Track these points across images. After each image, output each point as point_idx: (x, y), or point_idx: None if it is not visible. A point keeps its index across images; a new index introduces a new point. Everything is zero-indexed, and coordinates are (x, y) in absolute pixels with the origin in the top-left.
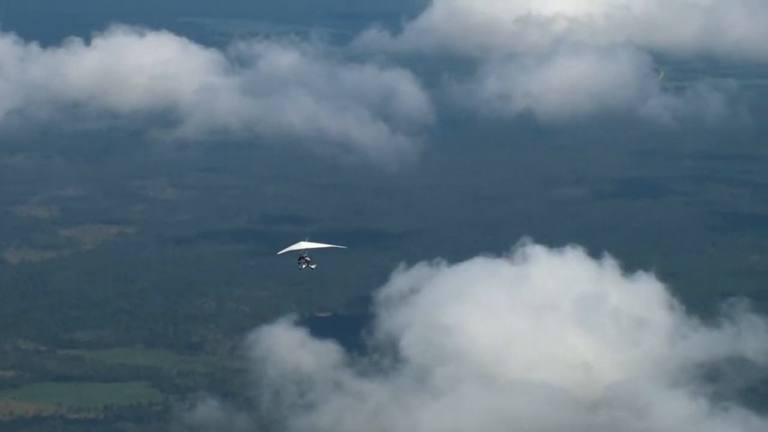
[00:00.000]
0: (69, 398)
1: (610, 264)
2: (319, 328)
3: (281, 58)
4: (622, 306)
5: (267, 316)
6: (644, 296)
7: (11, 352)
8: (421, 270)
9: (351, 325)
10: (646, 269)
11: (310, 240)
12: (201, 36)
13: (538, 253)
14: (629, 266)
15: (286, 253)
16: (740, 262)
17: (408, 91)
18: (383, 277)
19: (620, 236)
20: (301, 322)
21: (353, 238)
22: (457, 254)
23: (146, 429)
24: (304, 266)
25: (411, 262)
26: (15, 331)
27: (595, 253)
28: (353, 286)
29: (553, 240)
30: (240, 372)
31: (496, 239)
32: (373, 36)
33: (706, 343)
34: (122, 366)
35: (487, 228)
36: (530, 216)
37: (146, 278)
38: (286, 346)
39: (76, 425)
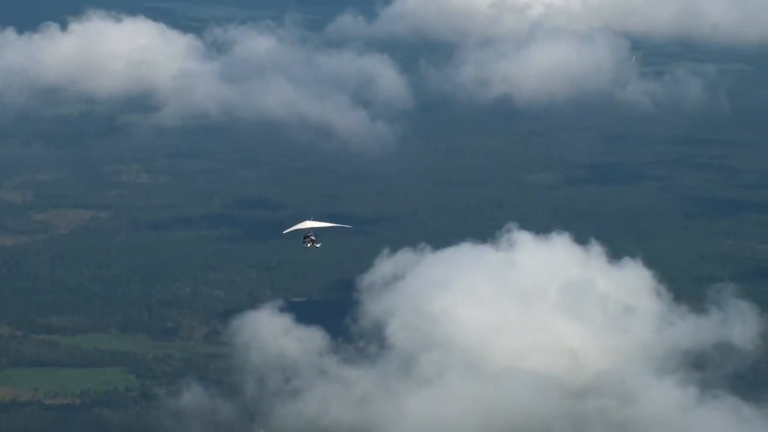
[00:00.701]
0: (45, 383)
1: (596, 250)
2: (298, 313)
3: (258, 43)
4: (609, 293)
5: (242, 301)
6: (631, 283)
7: None
8: (405, 256)
9: (330, 311)
10: (623, 255)
11: (315, 219)
12: (177, 21)
13: (523, 239)
14: (606, 252)
15: (291, 231)
16: (716, 247)
17: (386, 77)
18: (358, 262)
19: (594, 222)
20: (280, 308)
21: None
22: (433, 239)
23: (123, 414)
24: (309, 245)
25: (387, 247)
26: None
27: (579, 239)
28: (329, 271)
29: (528, 225)
30: (217, 357)
31: (469, 224)
32: (347, 21)
33: (693, 329)
34: (98, 351)
35: (461, 213)
36: (504, 201)
37: (120, 263)
38: (267, 332)
39: (53, 410)
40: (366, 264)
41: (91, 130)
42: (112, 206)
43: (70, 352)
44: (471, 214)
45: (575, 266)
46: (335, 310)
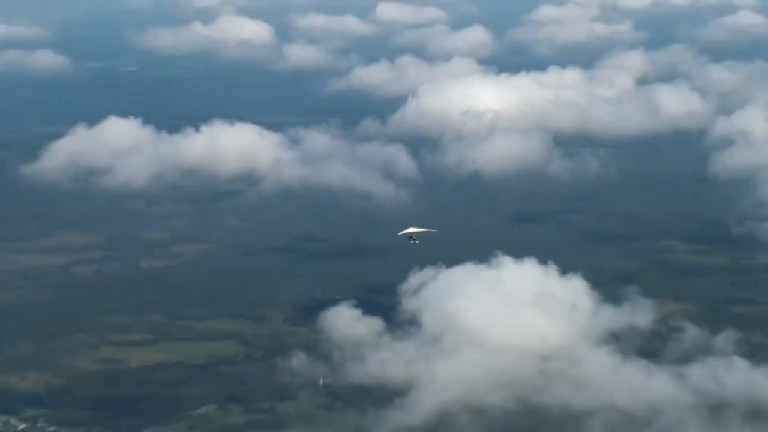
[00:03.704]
0: (186, 352)
1: (551, 268)
2: (362, 308)
3: (318, 138)
4: (562, 295)
5: (318, 301)
6: (573, 288)
7: (148, 323)
8: (427, 271)
9: (384, 307)
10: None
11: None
12: (269, 125)
13: (506, 261)
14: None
15: (403, 234)
16: (609, 262)
17: (401, 160)
18: (397, 276)
19: (534, 249)
20: (349, 305)
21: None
22: (445, 260)
23: (236, 370)
24: (412, 241)
25: (415, 265)
26: (149, 310)
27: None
28: (378, 281)
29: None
30: (304, 336)
31: (466, 249)
32: (370, 124)
33: (612, 317)
34: (218, 331)
35: (458, 242)
36: (478, 233)
37: (227, 277)
38: (342, 320)
39: (192, 368)
40: (403, 276)
41: (212, 195)
42: (220, 241)
43: (200, 332)
44: (463, 243)
45: (540, 278)
46: (387, 307)
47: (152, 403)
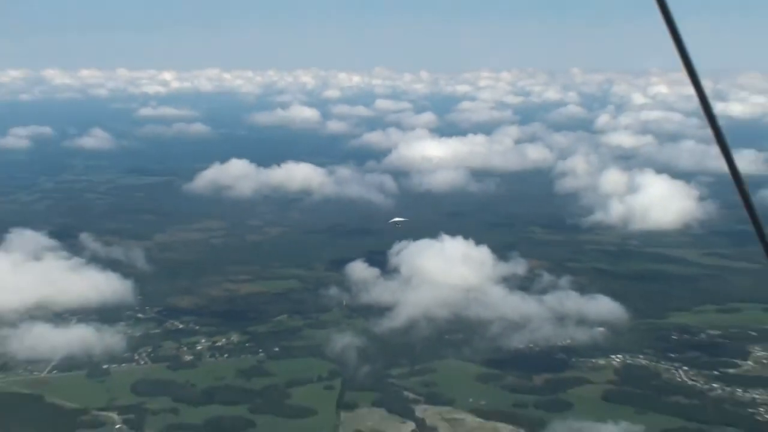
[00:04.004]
0: (270, 285)
1: (470, 242)
2: (368, 262)
3: (343, 171)
4: (476, 256)
5: (342, 260)
6: (482, 253)
7: (250, 270)
8: (403, 243)
9: (382, 261)
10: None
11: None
12: (317, 164)
13: (446, 238)
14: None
15: (391, 222)
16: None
17: (389, 183)
18: (391, 243)
19: (451, 232)
20: (363, 260)
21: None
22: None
23: (299, 296)
24: (397, 226)
25: (397, 240)
26: (251, 263)
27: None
28: (379, 247)
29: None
30: (331, 278)
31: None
32: (371, 164)
33: (503, 269)
34: (287, 274)
35: (411, 228)
36: (423, 225)
37: (294, 245)
38: (358, 269)
39: (273, 295)
40: (390, 245)
41: (286, 201)
42: (290, 225)
43: (278, 275)
44: (422, 228)
45: (463, 247)
46: (381, 262)
47: (251, 314)
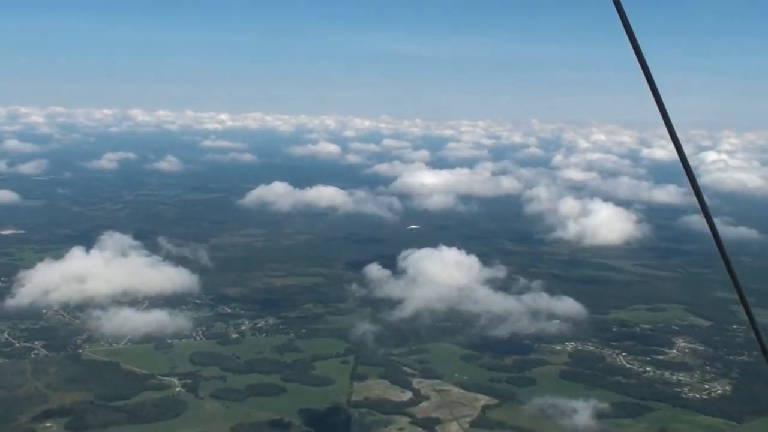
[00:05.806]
0: (299, 279)
1: (461, 251)
2: (380, 264)
3: (360, 193)
4: (465, 262)
5: (364, 261)
6: (469, 260)
7: (283, 267)
8: (409, 250)
9: (394, 262)
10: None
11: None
12: (339, 187)
13: (441, 247)
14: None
15: (409, 228)
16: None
17: (396, 204)
18: (399, 249)
19: (443, 242)
20: (377, 263)
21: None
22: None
23: (322, 289)
24: (413, 231)
25: (404, 249)
26: (285, 263)
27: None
28: (393, 251)
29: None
30: (352, 275)
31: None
32: (381, 188)
33: (487, 273)
34: (313, 272)
35: (414, 238)
36: (423, 236)
37: (318, 249)
38: (374, 270)
39: (302, 287)
40: (399, 251)
41: (315, 215)
42: (316, 234)
43: (306, 272)
44: (422, 238)
45: (455, 255)
46: (392, 264)
47: (284, 302)
